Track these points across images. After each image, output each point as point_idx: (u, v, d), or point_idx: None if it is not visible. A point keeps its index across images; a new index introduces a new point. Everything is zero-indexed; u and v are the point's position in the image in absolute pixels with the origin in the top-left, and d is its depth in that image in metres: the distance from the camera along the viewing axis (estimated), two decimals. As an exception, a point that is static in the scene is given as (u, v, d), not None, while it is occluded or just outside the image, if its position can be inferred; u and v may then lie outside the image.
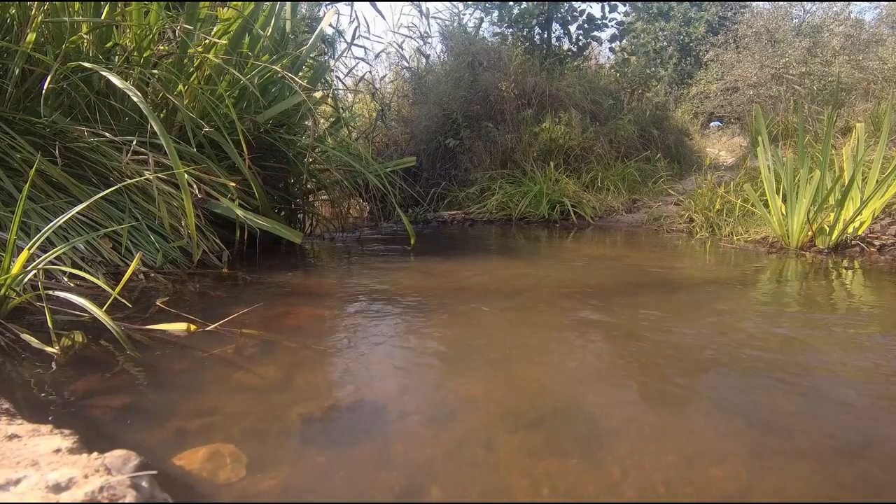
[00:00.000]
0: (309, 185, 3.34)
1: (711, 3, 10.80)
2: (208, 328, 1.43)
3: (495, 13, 7.18)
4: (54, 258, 1.50)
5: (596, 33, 7.35)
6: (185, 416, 0.97)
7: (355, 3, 5.94)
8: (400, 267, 2.60)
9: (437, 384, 1.17)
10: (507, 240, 3.82)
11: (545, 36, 7.17)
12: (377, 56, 5.83)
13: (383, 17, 7.38)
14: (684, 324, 1.63)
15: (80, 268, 1.75)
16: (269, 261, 2.55)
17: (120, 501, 0.63)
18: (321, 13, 4.71)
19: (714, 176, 4.62)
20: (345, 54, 5.09)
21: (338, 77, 4.88)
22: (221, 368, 1.20)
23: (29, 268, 1.37)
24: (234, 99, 2.70)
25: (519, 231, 4.29)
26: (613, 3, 7.47)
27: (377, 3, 5.61)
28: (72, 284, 1.68)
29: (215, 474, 0.79)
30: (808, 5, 8.71)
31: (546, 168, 5.14)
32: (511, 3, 7.05)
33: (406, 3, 8.13)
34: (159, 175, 2.07)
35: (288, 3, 3.13)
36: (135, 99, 1.91)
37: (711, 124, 9.07)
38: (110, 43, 2.37)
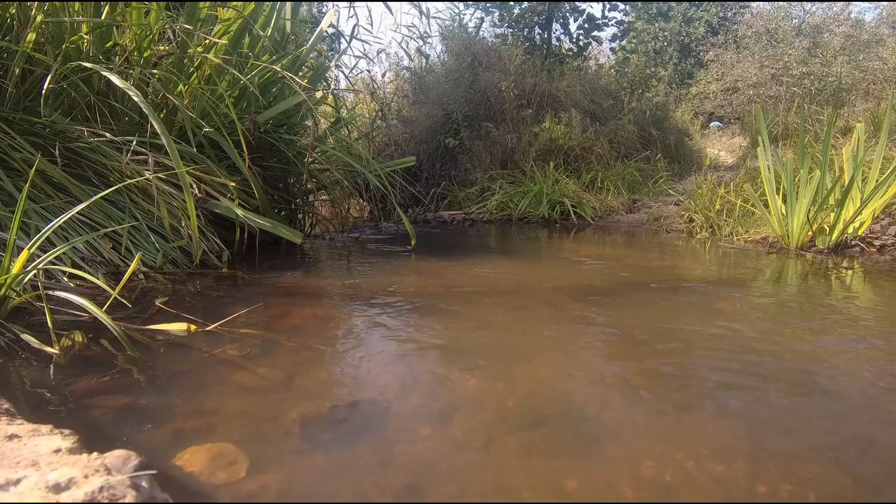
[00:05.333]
0: (309, 185, 3.34)
1: (711, 3, 10.80)
2: (208, 328, 1.43)
3: (496, 13, 7.19)
4: (54, 258, 1.50)
5: (596, 33, 7.35)
6: (185, 416, 0.97)
7: (357, 3, 5.94)
8: (400, 267, 2.60)
9: (438, 384, 1.17)
10: (506, 240, 3.82)
11: (545, 36, 7.17)
12: (378, 54, 5.84)
13: (391, 12, 7.40)
14: (684, 324, 1.63)
15: (80, 268, 1.75)
16: (269, 261, 2.55)
17: (120, 501, 0.63)
18: (322, 13, 4.71)
19: (714, 176, 4.62)
20: (346, 52, 5.09)
21: (341, 72, 4.88)
22: (221, 368, 1.20)
23: (29, 268, 1.37)
24: (234, 99, 2.70)
25: (519, 231, 4.29)
26: (614, 2, 7.47)
27: (383, 2, 5.60)
28: (72, 284, 1.68)
29: (215, 474, 0.79)
30: (808, 5, 8.72)
31: (546, 168, 5.14)
32: (511, 3, 7.06)
33: (406, 4, 8.14)
34: (159, 175, 2.06)
35: (288, 3, 3.12)
36: (136, 99, 1.91)
37: (711, 124, 9.08)
38: (110, 43, 2.37)
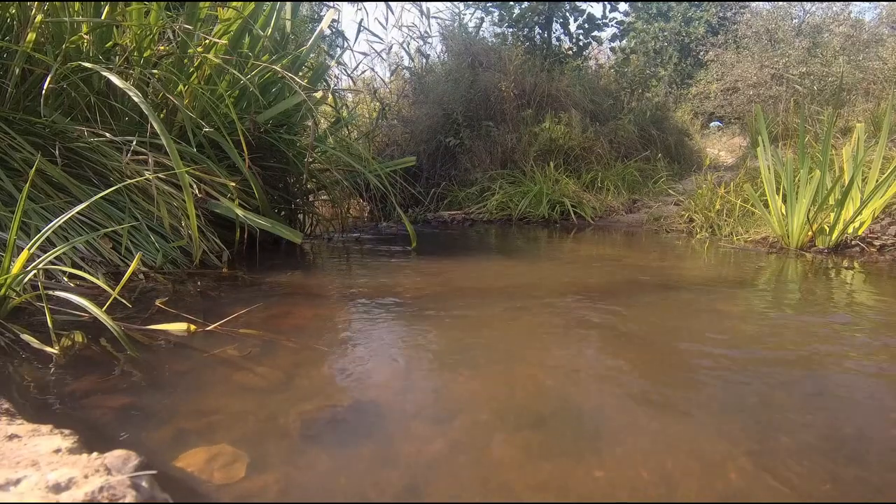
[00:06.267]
0: (309, 185, 3.34)
1: (711, 3, 10.80)
2: (208, 328, 1.43)
3: (496, 13, 7.19)
4: (54, 258, 1.50)
5: (596, 33, 7.35)
6: (185, 417, 0.97)
7: (358, 2, 5.94)
8: (400, 267, 2.60)
9: (438, 384, 1.17)
10: (507, 240, 3.82)
11: (545, 36, 7.17)
12: (382, 51, 5.84)
13: (392, 12, 7.42)
14: (685, 324, 1.63)
15: (80, 268, 1.75)
16: (269, 261, 2.55)
17: (120, 501, 0.63)
18: (322, 13, 4.71)
19: (714, 176, 4.62)
20: (347, 51, 5.10)
21: (343, 70, 4.89)
22: (221, 368, 1.20)
23: (29, 268, 1.37)
24: (234, 99, 2.70)
25: (519, 231, 4.29)
26: (614, 3, 7.48)
27: (384, 1, 5.60)
28: (72, 284, 1.68)
29: (215, 474, 0.79)
30: (808, 5, 8.73)
31: (546, 168, 5.15)
32: (511, 3, 7.06)
33: (406, 4, 8.14)
34: (159, 175, 2.06)
35: (288, 3, 3.12)
36: (135, 99, 1.91)
37: (711, 124, 9.08)
38: (110, 43, 2.37)
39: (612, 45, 8.34)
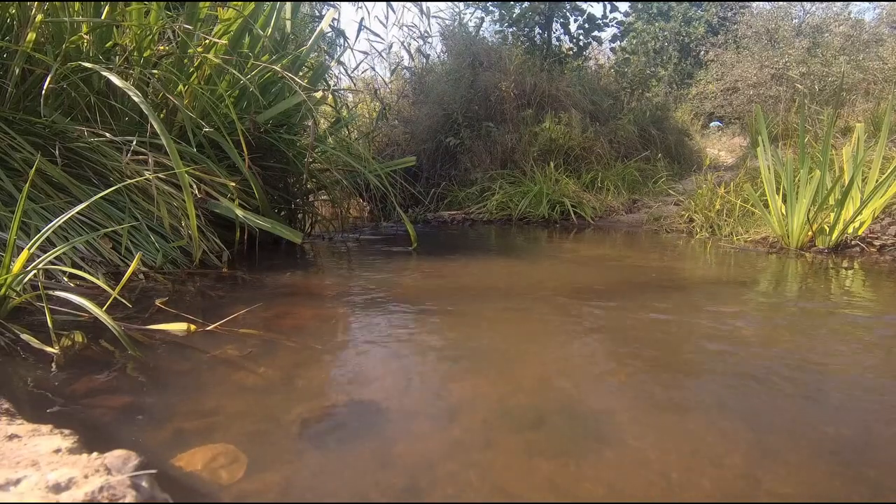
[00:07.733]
0: (309, 185, 3.34)
1: (711, 3, 10.81)
2: (208, 328, 1.43)
3: (496, 13, 7.19)
4: (54, 258, 1.50)
5: (596, 33, 7.35)
6: (185, 416, 0.97)
7: (358, 2, 5.94)
8: (400, 267, 2.60)
9: (438, 384, 1.17)
10: (507, 240, 3.82)
11: (545, 36, 7.17)
12: (382, 51, 5.83)
13: (393, 11, 7.42)
14: (685, 325, 1.63)
15: (80, 268, 1.75)
16: (269, 261, 2.55)
17: (120, 501, 0.63)
18: (323, 12, 4.71)
19: (714, 176, 4.62)
20: (347, 50, 5.10)
21: (343, 71, 4.89)
22: (221, 368, 1.20)
23: (29, 268, 1.37)
24: (234, 99, 2.70)
25: (519, 231, 4.29)
26: (614, 3, 7.47)
27: (385, 1, 5.59)
28: (72, 284, 1.68)
29: (215, 474, 0.79)
30: (808, 5, 8.73)
31: (546, 168, 5.14)
32: (512, 3, 7.05)
33: (406, 3, 8.14)
34: (159, 175, 2.06)
35: (288, 3, 3.12)
36: (135, 99, 1.91)
37: (711, 124, 9.08)
38: (110, 43, 2.37)
39: (613, 45, 8.34)
